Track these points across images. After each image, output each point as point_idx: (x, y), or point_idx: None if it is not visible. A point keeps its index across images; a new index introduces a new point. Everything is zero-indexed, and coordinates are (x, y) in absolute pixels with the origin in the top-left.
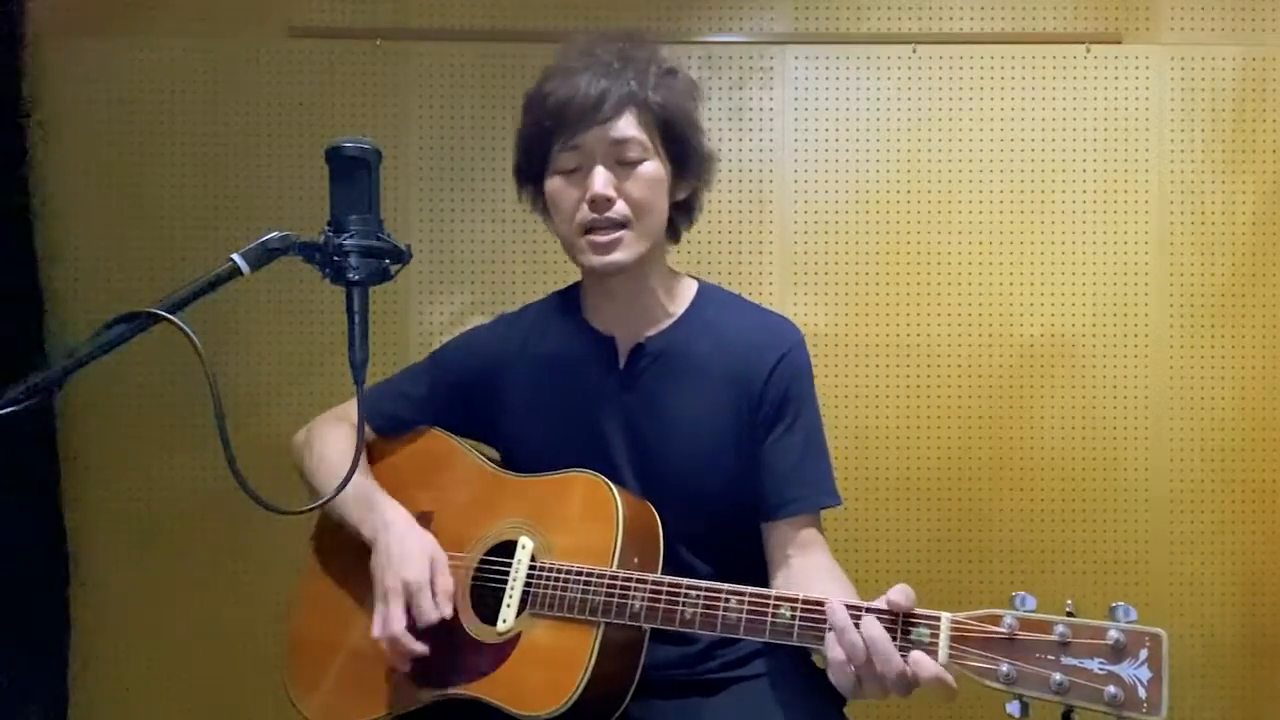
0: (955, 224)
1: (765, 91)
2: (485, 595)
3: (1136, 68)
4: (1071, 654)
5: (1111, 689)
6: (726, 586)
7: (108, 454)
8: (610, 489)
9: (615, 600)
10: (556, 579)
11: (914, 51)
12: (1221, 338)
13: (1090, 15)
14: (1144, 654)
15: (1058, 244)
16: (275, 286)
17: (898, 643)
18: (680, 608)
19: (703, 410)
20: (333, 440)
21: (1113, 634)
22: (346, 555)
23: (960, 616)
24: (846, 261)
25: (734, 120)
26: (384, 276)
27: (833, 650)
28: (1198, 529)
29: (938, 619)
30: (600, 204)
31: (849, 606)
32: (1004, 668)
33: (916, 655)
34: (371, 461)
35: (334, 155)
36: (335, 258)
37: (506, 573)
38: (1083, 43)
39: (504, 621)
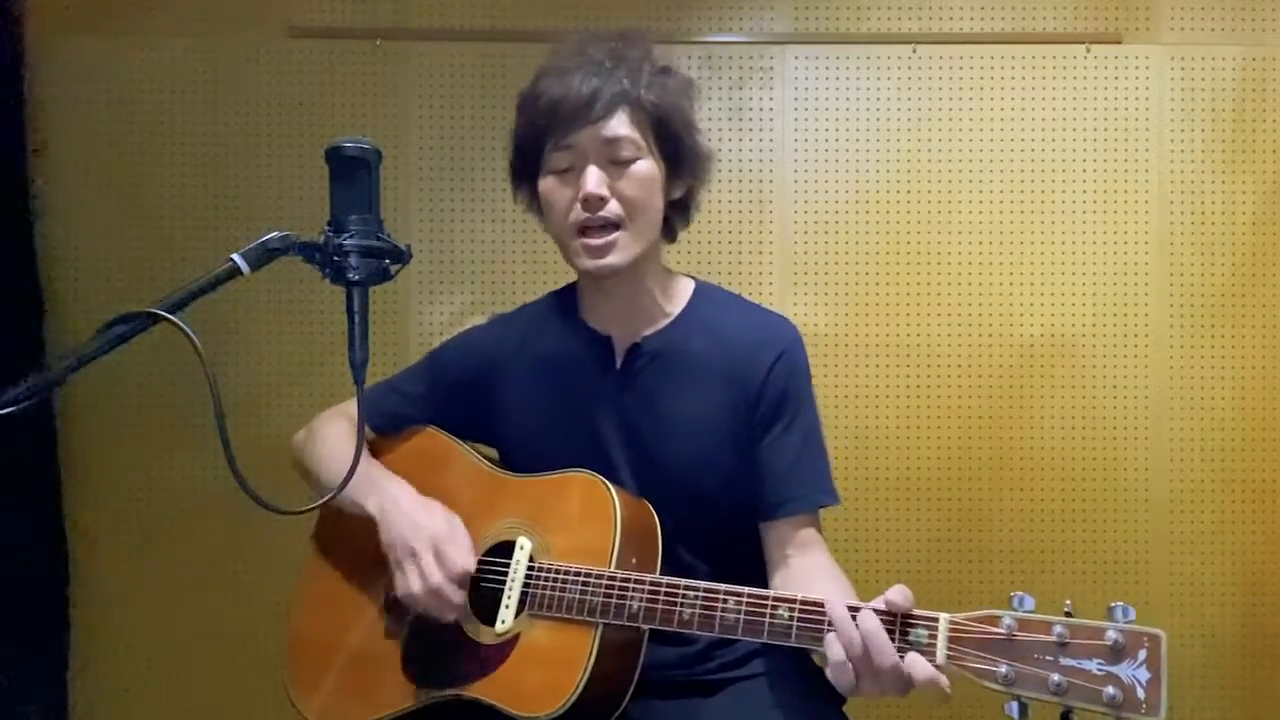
0: (955, 224)
1: (765, 91)
2: (484, 596)
3: (1136, 68)
4: (1070, 655)
5: (1110, 690)
6: (724, 587)
7: (108, 454)
8: (608, 489)
9: (613, 601)
10: (555, 580)
11: (914, 51)
12: (1221, 338)
13: (1090, 15)
14: (1143, 654)
15: (1058, 244)
16: (275, 286)
17: (896, 643)
18: (678, 608)
19: (700, 410)
20: (335, 432)
21: (1111, 634)
22: (347, 555)
23: (958, 617)
24: (846, 261)
25: (734, 120)
26: (384, 276)
27: (832, 648)
28: (1198, 529)
29: (936, 620)
30: (593, 203)
31: (848, 607)
32: (1002, 669)
33: (912, 656)
34: (371, 459)
35: (334, 155)
36: (335, 258)
37: (505, 573)
38: (1083, 43)
39: (502, 622)
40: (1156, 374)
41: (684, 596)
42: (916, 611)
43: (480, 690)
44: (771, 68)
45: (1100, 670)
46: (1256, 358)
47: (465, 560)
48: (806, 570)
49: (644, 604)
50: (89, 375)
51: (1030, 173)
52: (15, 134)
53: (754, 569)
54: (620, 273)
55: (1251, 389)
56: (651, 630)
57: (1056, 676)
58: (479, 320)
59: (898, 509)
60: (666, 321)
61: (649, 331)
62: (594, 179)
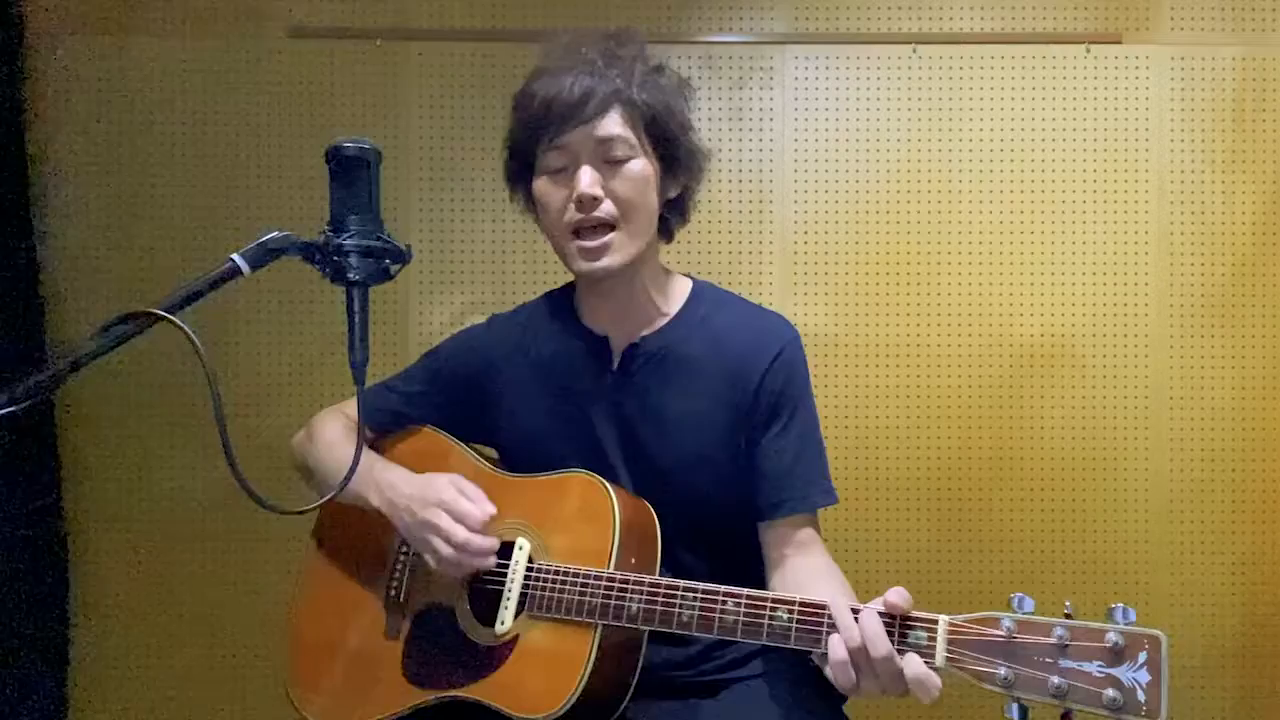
0: (955, 224)
1: (765, 91)
2: (483, 596)
3: (1136, 68)
4: (1070, 657)
5: (1111, 692)
6: (723, 589)
7: (108, 454)
8: (607, 489)
9: (613, 602)
10: (554, 581)
11: (914, 51)
12: (1221, 337)
13: (1090, 15)
14: (1143, 656)
15: (1058, 244)
16: (275, 286)
17: (895, 645)
18: (677, 610)
19: (698, 410)
20: (332, 434)
21: (1111, 636)
22: (347, 556)
23: (957, 619)
24: (846, 261)
25: (734, 120)
26: (384, 276)
27: (835, 649)
28: (1198, 529)
29: (935, 622)
30: (587, 203)
31: (850, 609)
32: (1002, 671)
33: (910, 657)
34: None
35: (334, 155)
36: (335, 258)
37: (504, 574)
38: (1083, 43)
39: (502, 623)
40: (1156, 374)
41: (683, 598)
42: (916, 613)
43: (479, 691)
44: (771, 68)
45: (1100, 672)
46: (1256, 358)
47: (482, 507)
48: (805, 570)
49: (643, 605)
50: (89, 375)
51: (1030, 173)
52: (15, 134)
53: (752, 568)
54: (616, 274)
55: (1251, 389)
56: (651, 631)
57: (1056, 679)
58: (478, 320)
59: (898, 509)
60: (664, 322)
61: (646, 332)
62: (587, 179)
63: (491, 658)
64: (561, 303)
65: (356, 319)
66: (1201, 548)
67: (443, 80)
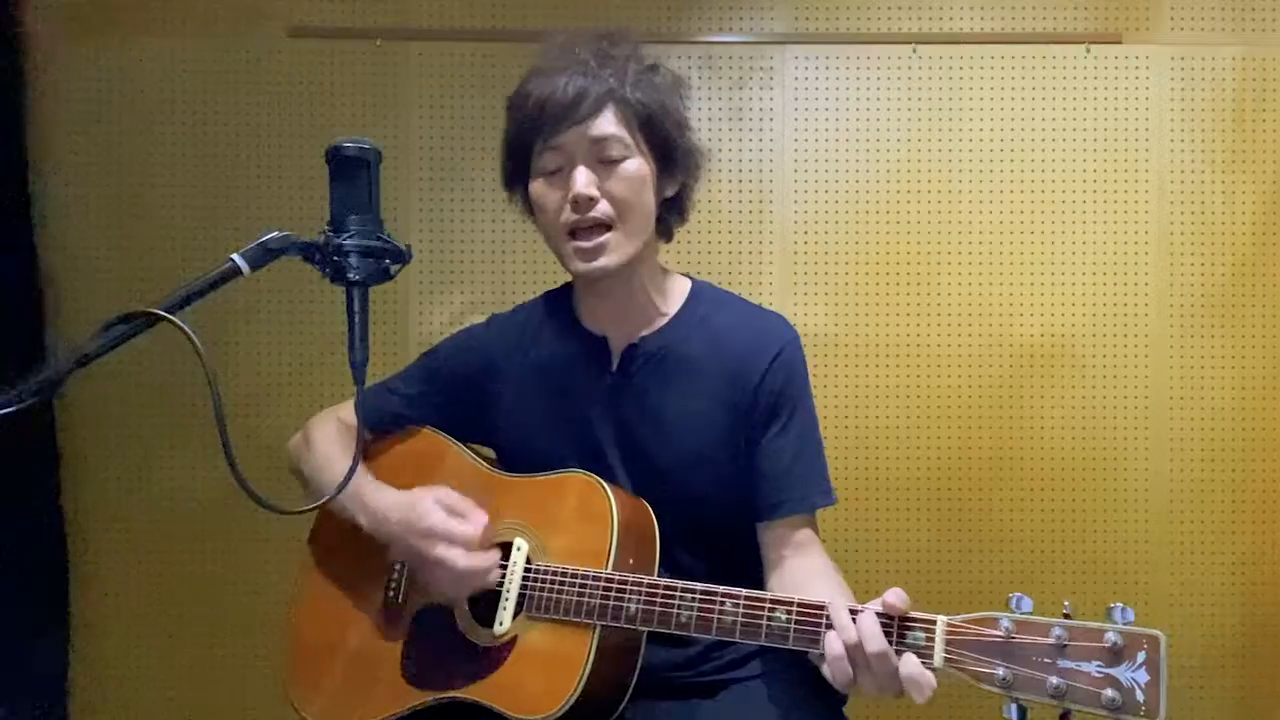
0: (955, 224)
1: (765, 91)
2: (482, 598)
3: (1136, 68)
4: (1069, 657)
5: (1109, 692)
6: (722, 589)
7: (108, 454)
8: (605, 489)
9: (611, 603)
10: (552, 581)
11: (914, 51)
12: (1221, 338)
13: (1090, 15)
14: (1142, 656)
15: (1058, 244)
16: (275, 286)
17: (894, 646)
18: (676, 611)
19: (696, 410)
20: (327, 443)
21: (1110, 636)
22: (345, 557)
23: (956, 620)
24: (846, 261)
25: (734, 120)
26: (384, 276)
27: (831, 646)
28: (1198, 529)
29: (933, 622)
30: (582, 204)
31: (849, 609)
32: (1000, 671)
33: (907, 657)
34: (367, 462)
35: (334, 155)
36: (335, 258)
37: (503, 575)
38: (1083, 43)
39: (500, 624)
40: (1156, 374)
41: (681, 599)
42: (914, 614)
43: (478, 692)
44: (771, 68)
45: (1099, 672)
46: (1256, 358)
47: (474, 520)
48: (803, 571)
49: (641, 606)
50: (89, 375)
51: (1030, 173)
52: (16, 134)
53: (751, 569)
54: (614, 274)
55: (1251, 389)
56: (650, 632)
57: (1055, 679)
58: (478, 320)
59: (898, 509)
60: (663, 322)
61: (645, 332)
62: (582, 179)
63: (490, 659)
64: (560, 303)
65: (356, 319)
66: (1201, 548)
67: (443, 80)
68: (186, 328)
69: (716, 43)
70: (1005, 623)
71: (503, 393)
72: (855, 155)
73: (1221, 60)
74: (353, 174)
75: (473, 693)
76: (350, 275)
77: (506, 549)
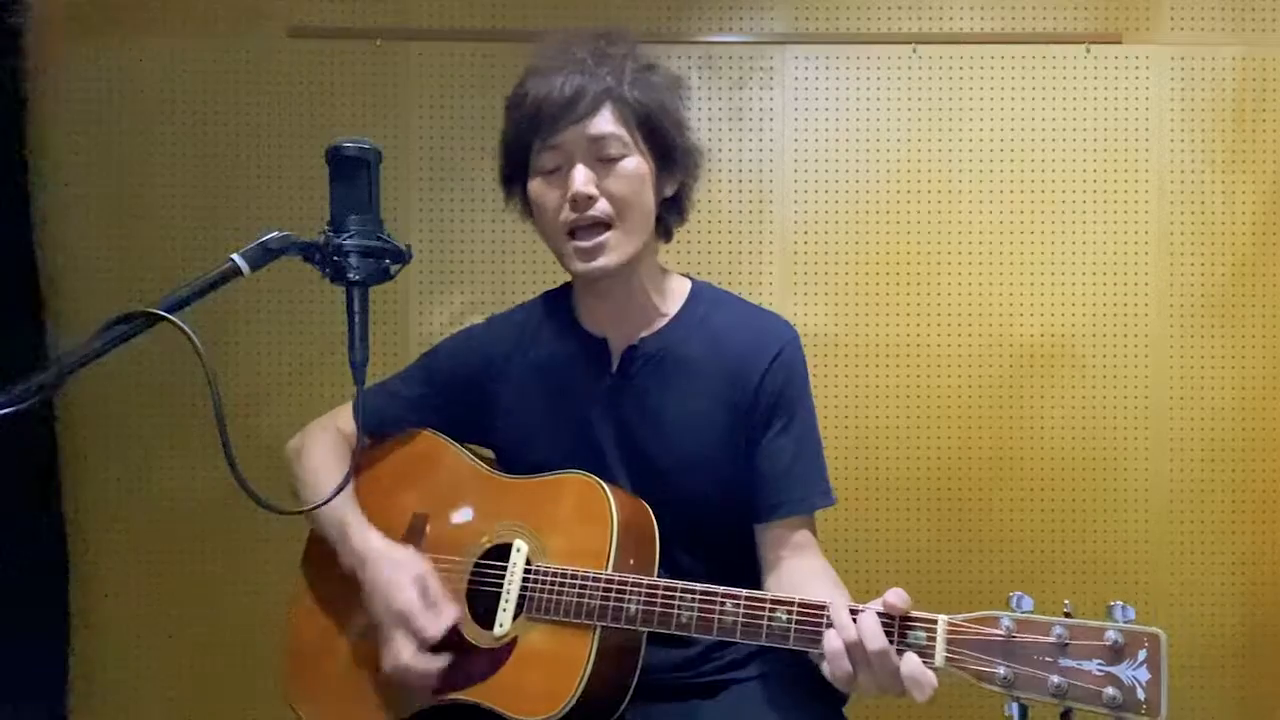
0: (955, 224)
1: (765, 91)
2: (482, 599)
3: (1136, 68)
4: (1070, 655)
5: (1110, 690)
6: (722, 589)
7: (108, 454)
8: (604, 490)
9: (611, 604)
10: (552, 582)
11: (914, 51)
12: (1221, 338)
13: (1090, 15)
14: (1143, 655)
15: (1058, 244)
16: (275, 286)
17: (895, 646)
18: (676, 611)
19: (696, 412)
20: (323, 452)
21: (1111, 635)
22: (340, 561)
23: (957, 619)
24: (846, 261)
25: (734, 120)
26: (384, 276)
27: (830, 642)
28: (1198, 529)
29: (934, 622)
30: (581, 203)
31: (849, 609)
32: (1001, 670)
33: (908, 656)
34: (365, 465)
35: (334, 155)
36: (335, 258)
37: (502, 576)
38: (1083, 43)
39: (500, 626)
40: (1156, 374)
41: (681, 599)
42: (915, 613)
43: (479, 694)
44: (771, 68)
45: (1100, 671)
46: (1256, 358)
47: (444, 620)
48: (801, 572)
49: (642, 606)
50: (89, 375)
51: (1030, 173)
52: (15, 134)
53: (750, 569)
54: (613, 273)
55: (1251, 389)
56: (650, 633)
57: (1056, 678)
58: (478, 320)
59: (898, 509)
60: (663, 322)
61: (645, 333)
62: (581, 178)
63: (490, 660)
64: (559, 304)
65: (356, 319)
66: (1201, 548)
67: (443, 80)
68: (186, 328)
69: (716, 43)
70: (1006, 622)
71: (502, 394)
72: (855, 155)
73: (1221, 60)
74: (353, 174)
75: (473, 694)
76: (350, 275)
77: (506, 550)
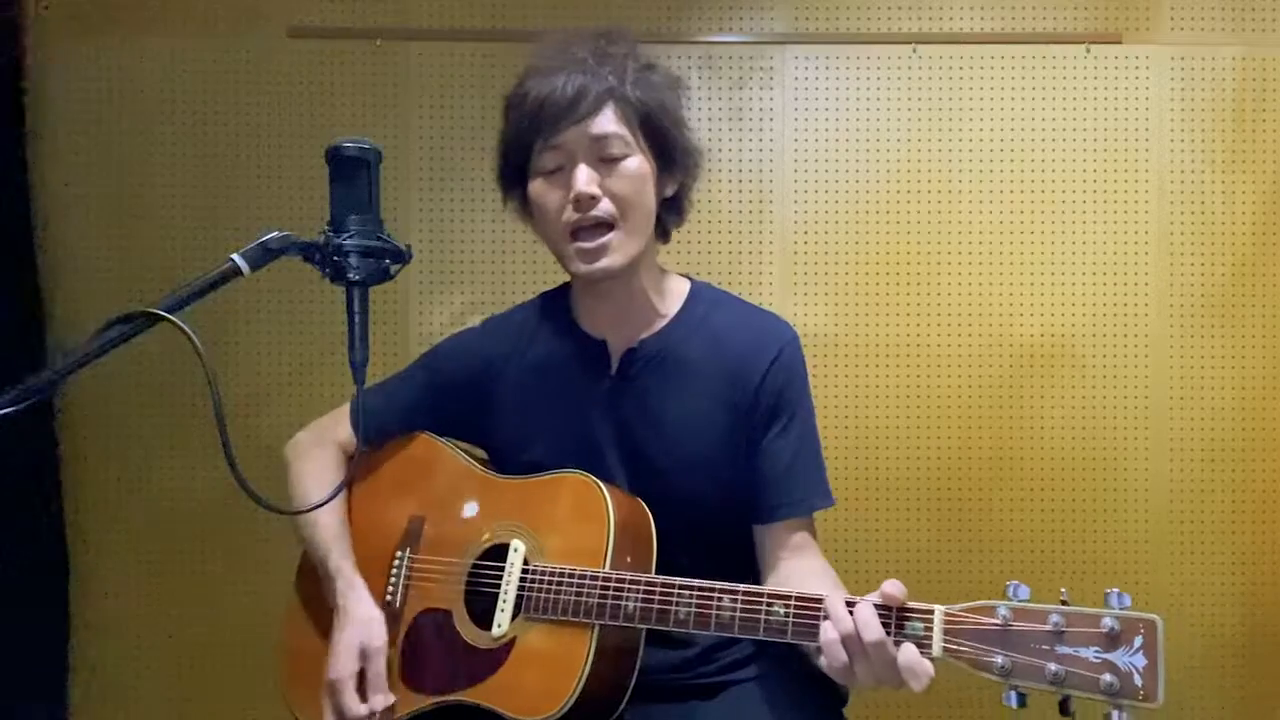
0: (955, 224)
1: (765, 91)
2: (480, 599)
3: (1136, 68)
4: (1066, 643)
5: (1108, 677)
6: (719, 585)
7: (108, 454)
8: (600, 488)
9: (609, 602)
10: (549, 582)
11: (914, 51)
12: (1221, 338)
13: (1090, 15)
14: (1139, 641)
15: (1058, 244)
16: (275, 286)
17: (893, 637)
18: (674, 607)
19: (696, 413)
20: (312, 470)
21: (1107, 621)
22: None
23: (953, 609)
24: (846, 261)
25: (734, 120)
26: (384, 276)
27: (826, 633)
28: (1198, 529)
29: (931, 612)
30: (584, 203)
31: (845, 601)
32: (999, 659)
33: (906, 646)
34: (361, 469)
35: (334, 155)
36: (335, 258)
37: (500, 576)
38: (1083, 43)
39: (499, 626)
40: (1156, 374)
41: (679, 595)
42: (912, 604)
43: (477, 695)
44: (771, 68)
45: (1097, 658)
46: (1256, 358)
47: (355, 711)
48: (799, 572)
49: (639, 604)
50: (89, 375)
51: (1030, 173)
52: (15, 134)
53: (749, 570)
54: (616, 274)
55: (1251, 389)
56: (650, 633)
57: (1053, 665)
58: (478, 320)
59: (898, 509)
60: (662, 323)
61: (645, 335)
62: (584, 177)
63: (489, 661)
64: (557, 305)
65: (356, 319)
66: (1201, 547)
67: (443, 80)
68: (186, 328)
69: (716, 43)
70: (1003, 611)
71: (501, 395)
72: (855, 155)
73: (1221, 60)
74: (353, 174)
75: (472, 695)
76: (350, 275)
77: (503, 551)
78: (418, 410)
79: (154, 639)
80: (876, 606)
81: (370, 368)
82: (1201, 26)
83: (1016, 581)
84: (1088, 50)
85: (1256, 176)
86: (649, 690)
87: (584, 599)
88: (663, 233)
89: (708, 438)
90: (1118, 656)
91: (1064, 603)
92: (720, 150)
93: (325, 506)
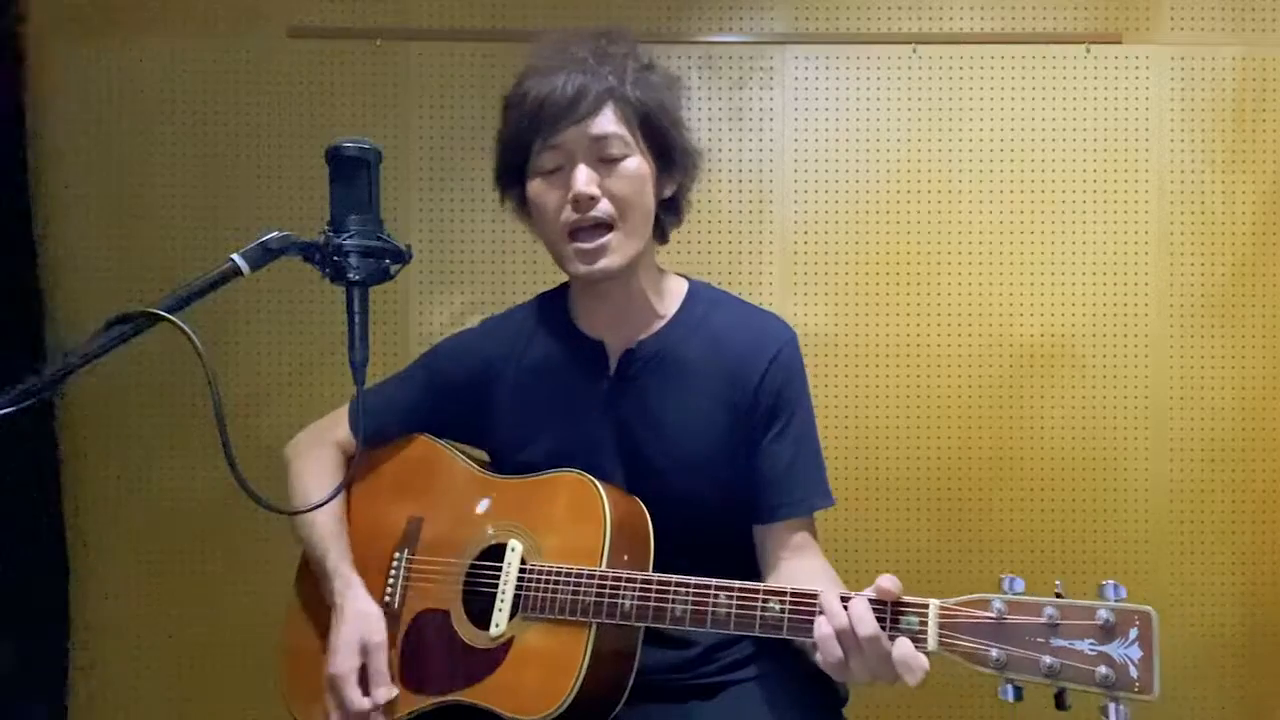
0: (955, 224)
1: (765, 91)
2: (478, 600)
3: (1136, 68)
4: (1061, 636)
5: (1103, 669)
6: (715, 582)
7: (108, 454)
8: (596, 487)
9: (606, 600)
10: (547, 581)
11: (914, 51)
12: (1221, 338)
13: (1090, 15)
14: (1134, 633)
15: (1058, 244)
16: (275, 286)
17: (888, 631)
18: (670, 605)
19: (695, 414)
20: (311, 471)
21: (1102, 614)
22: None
23: (948, 602)
24: (846, 261)
25: (734, 120)
26: (384, 276)
27: (820, 628)
28: (1198, 529)
29: (926, 606)
30: (583, 203)
31: (840, 596)
32: (994, 652)
33: (901, 641)
34: (360, 471)
35: (334, 155)
36: (335, 258)
37: (498, 576)
38: (1083, 43)
39: (497, 626)
40: (1156, 374)
41: (675, 592)
42: (907, 598)
43: (476, 695)
44: (771, 68)
45: (1092, 650)
46: (1256, 358)
47: (359, 705)
48: (801, 573)
49: (636, 601)
50: (89, 375)
51: (1030, 173)
52: (16, 135)
53: (750, 571)
54: (615, 275)
55: (1251, 389)
56: (649, 634)
57: (1048, 658)
58: (478, 320)
59: (898, 509)
60: (660, 324)
61: (643, 336)
62: (583, 178)
63: (487, 661)
64: (554, 306)
65: (356, 319)
66: (1201, 547)
67: (443, 80)
68: (186, 328)
69: (716, 43)
70: (997, 604)
71: (500, 396)
72: (855, 155)
73: (1221, 60)
74: (353, 174)
75: (470, 695)
76: (350, 275)
77: (501, 551)
78: (417, 411)
79: (154, 639)
80: (871, 601)
81: (370, 368)
82: (1201, 26)
83: (1011, 575)
84: (1088, 50)
85: (1256, 176)
86: (649, 690)
87: (581, 598)
88: (661, 233)
89: (706, 438)
90: (1113, 649)
91: (1059, 595)
92: (720, 150)
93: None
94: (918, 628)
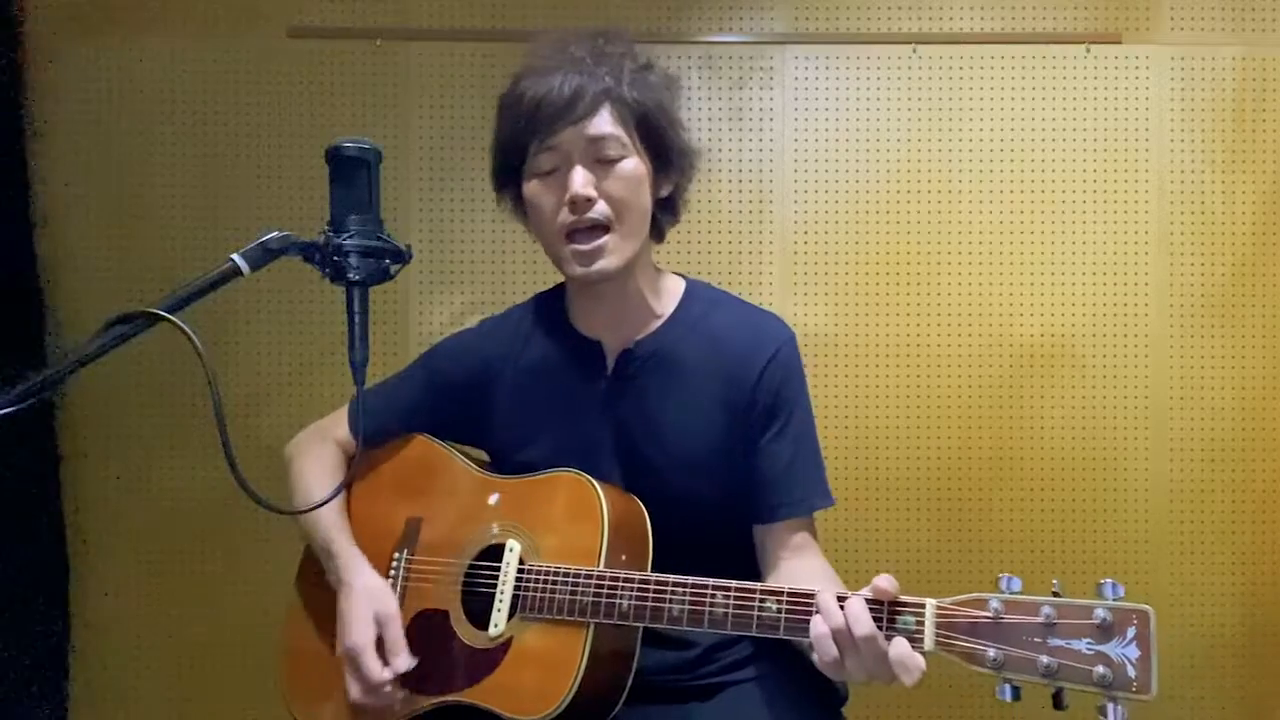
0: (955, 224)
1: (765, 91)
2: (477, 600)
3: (1136, 68)
4: (1059, 635)
5: (1100, 669)
6: (712, 581)
7: (108, 454)
8: (594, 487)
9: (603, 600)
10: (545, 581)
11: (914, 51)
12: (1221, 338)
13: (1090, 15)
14: (1131, 632)
15: (1058, 244)
16: (275, 286)
17: (885, 630)
18: (668, 605)
19: (693, 414)
20: (317, 466)
21: (1099, 613)
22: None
23: (945, 602)
24: (846, 261)
25: (734, 120)
26: (384, 276)
27: (816, 627)
28: (1198, 529)
29: (923, 605)
30: (580, 205)
31: (836, 595)
32: (991, 652)
33: (898, 640)
34: (359, 472)
35: (334, 155)
36: (335, 258)
37: (496, 576)
38: (1083, 43)
39: (495, 626)
40: (1156, 374)
41: (673, 592)
42: (904, 598)
43: (475, 695)
44: (771, 68)
45: (1090, 650)
46: (1256, 358)
47: (379, 675)
48: (801, 573)
49: (634, 601)
50: (89, 375)
51: (1030, 173)
52: (16, 135)
53: (748, 571)
54: (612, 276)
55: (1251, 389)
56: (649, 635)
57: (1046, 658)
58: (477, 320)
59: (898, 509)
60: (658, 324)
61: (640, 336)
62: (580, 179)
63: (486, 661)
64: (552, 307)
65: (356, 319)
66: (1201, 547)
67: (443, 80)
68: (186, 328)
69: (716, 43)
70: (994, 603)
71: (498, 397)
72: (855, 155)
73: (1221, 60)
74: (353, 174)
75: (469, 695)
76: (350, 275)
77: (500, 551)
78: (417, 411)
79: (154, 639)
80: (868, 601)
81: (370, 368)
82: (1201, 26)
83: (1009, 574)
84: (1088, 50)
85: (1256, 176)
86: (647, 691)
87: (579, 598)
88: (658, 233)
89: (705, 438)
90: (1110, 648)
91: (1056, 594)
92: (720, 150)
93: (324, 491)
94: (914, 627)
